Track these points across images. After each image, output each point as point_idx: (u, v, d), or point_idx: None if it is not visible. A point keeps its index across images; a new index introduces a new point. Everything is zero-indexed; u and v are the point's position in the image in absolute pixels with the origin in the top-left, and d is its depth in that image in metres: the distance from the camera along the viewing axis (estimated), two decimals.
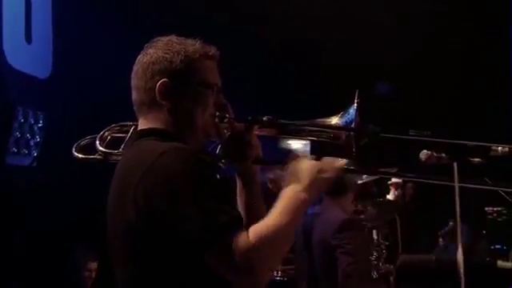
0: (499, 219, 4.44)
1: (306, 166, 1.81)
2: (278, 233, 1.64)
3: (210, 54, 1.84)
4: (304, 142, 2.10)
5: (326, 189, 1.85)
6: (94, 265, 5.53)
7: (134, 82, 1.84)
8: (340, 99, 1.98)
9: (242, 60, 6.04)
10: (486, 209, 4.89)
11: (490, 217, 4.85)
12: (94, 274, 5.53)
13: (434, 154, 2.01)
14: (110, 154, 1.94)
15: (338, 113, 1.93)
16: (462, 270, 1.38)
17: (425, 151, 2.04)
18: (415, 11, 6.50)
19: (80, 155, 2.01)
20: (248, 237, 1.60)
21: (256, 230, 1.63)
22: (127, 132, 1.95)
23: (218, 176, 1.77)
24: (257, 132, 1.91)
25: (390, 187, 5.09)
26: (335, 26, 6.50)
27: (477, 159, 1.96)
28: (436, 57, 6.58)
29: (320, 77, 6.62)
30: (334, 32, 6.49)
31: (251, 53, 6.53)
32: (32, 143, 5.48)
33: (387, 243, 4.58)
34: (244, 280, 1.61)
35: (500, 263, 1.45)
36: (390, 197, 5.11)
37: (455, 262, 1.40)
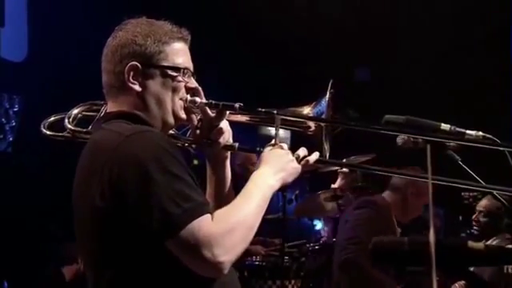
0: (475, 204, 4.48)
1: (278, 154, 1.81)
2: (242, 218, 1.63)
3: (181, 36, 1.82)
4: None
5: (295, 178, 1.83)
6: None
7: (103, 65, 1.82)
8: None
9: (217, 43, 6.00)
10: (463, 194, 4.93)
11: (466, 202, 4.89)
12: None
13: (411, 139, 2.02)
14: (79, 132, 1.91)
15: (311, 102, 1.92)
16: (433, 251, 1.41)
17: (401, 135, 2.04)
18: (415, 10, 6.50)
19: (48, 132, 1.97)
20: (211, 222, 1.59)
21: (220, 215, 1.62)
22: (97, 111, 1.92)
23: (196, 162, 1.75)
24: (228, 118, 1.89)
25: (339, 174, 5.08)
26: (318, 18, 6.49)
27: (452, 143, 1.97)
28: (436, 56, 6.57)
29: (299, 65, 6.61)
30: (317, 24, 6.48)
31: (227, 37, 6.48)
32: (7, 128, 5.42)
33: None
34: (205, 266, 1.58)
35: (471, 243, 1.46)
36: (335, 185, 5.10)
37: (427, 243, 1.41)
